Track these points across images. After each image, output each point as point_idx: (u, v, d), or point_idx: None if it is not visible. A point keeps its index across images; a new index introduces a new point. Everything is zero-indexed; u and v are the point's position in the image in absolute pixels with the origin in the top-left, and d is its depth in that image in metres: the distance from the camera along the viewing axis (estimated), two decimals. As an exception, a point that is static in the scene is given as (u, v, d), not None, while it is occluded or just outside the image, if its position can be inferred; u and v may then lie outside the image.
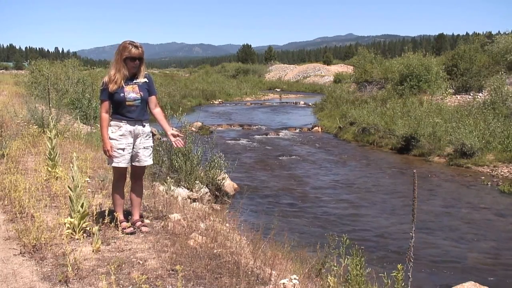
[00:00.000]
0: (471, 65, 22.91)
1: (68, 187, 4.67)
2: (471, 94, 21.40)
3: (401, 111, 19.90)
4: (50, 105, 12.01)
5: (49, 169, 6.67)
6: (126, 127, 4.70)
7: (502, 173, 13.57)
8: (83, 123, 14.63)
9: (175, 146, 5.01)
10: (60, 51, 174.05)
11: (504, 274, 7.17)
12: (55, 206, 5.54)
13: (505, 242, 8.56)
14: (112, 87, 4.61)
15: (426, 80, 23.07)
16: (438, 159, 15.69)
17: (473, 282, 6.03)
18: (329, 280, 3.76)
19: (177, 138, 4.94)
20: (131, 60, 4.64)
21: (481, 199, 11.49)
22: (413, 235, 3.02)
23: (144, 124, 4.83)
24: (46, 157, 6.80)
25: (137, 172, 4.99)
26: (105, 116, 4.71)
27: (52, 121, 7.45)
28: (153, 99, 4.91)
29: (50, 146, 6.61)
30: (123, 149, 4.71)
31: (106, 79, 4.70)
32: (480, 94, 21.15)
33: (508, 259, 7.75)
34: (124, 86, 4.67)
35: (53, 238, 4.41)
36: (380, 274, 4.08)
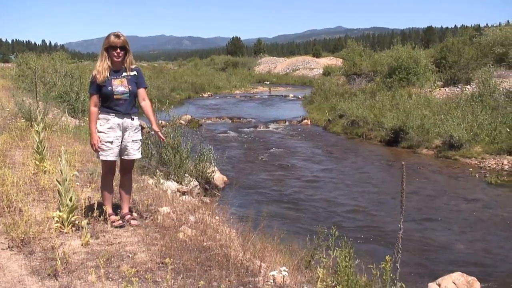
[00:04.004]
0: (460, 57, 23.04)
1: (57, 180, 4.65)
2: (459, 87, 21.51)
3: (390, 104, 19.98)
4: (38, 98, 11.90)
5: (37, 163, 6.62)
6: (114, 120, 4.68)
7: (490, 165, 13.69)
8: (71, 117, 14.51)
9: (163, 139, 5.04)
10: (48, 44, 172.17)
11: (491, 265, 7.26)
12: (43, 200, 5.51)
13: (492, 233, 8.65)
14: (99, 79, 4.60)
15: (415, 72, 23.16)
16: (426, 151, 15.79)
17: (460, 273, 6.09)
18: (318, 272, 3.78)
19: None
20: (113, 49, 4.62)
21: (469, 190, 11.59)
22: (402, 226, 3.04)
23: (132, 117, 4.81)
24: (34, 150, 6.75)
25: (126, 166, 4.98)
26: (94, 109, 4.70)
27: (40, 115, 7.39)
28: (142, 92, 4.89)
29: (38, 140, 6.57)
30: (111, 142, 4.69)
31: (94, 72, 4.69)
32: (468, 87, 21.26)
33: (495, 250, 7.84)
34: (113, 79, 4.65)
35: (42, 232, 4.39)
36: (369, 266, 4.11)
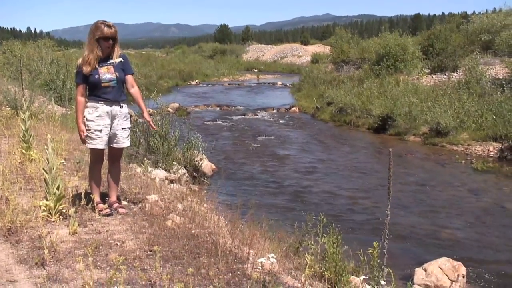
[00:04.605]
0: (447, 45, 23.11)
1: (43, 169, 4.61)
2: (446, 74, 21.61)
3: (377, 91, 20.04)
4: (23, 86, 11.76)
5: (23, 151, 6.56)
6: (103, 108, 4.65)
7: (476, 151, 13.83)
8: (58, 105, 14.38)
9: (152, 128, 5.04)
10: (33, 31, 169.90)
11: (477, 250, 7.36)
12: (30, 188, 5.47)
13: (478, 219, 8.76)
14: (86, 69, 4.55)
15: (402, 60, 23.21)
16: (413, 138, 15.89)
17: (446, 258, 6.17)
18: (306, 258, 3.80)
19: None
20: (105, 39, 4.57)
21: (455, 177, 11.70)
22: (389, 213, 3.06)
23: (121, 105, 4.78)
24: (20, 139, 6.68)
25: (115, 154, 4.95)
26: (81, 99, 4.65)
27: (26, 103, 7.33)
28: (129, 79, 4.86)
29: (24, 128, 6.51)
30: (100, 131, 4.66)
31: (80, 61, 4.63)
32: (455, 74, 21.37)
33: (480, 235, 7.94)
34: (99, 67, 4.61)
35: (29, 221, 4.36)
36: (357, 252, 4.14)
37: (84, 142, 4.70)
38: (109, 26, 4.58)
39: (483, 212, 9.12)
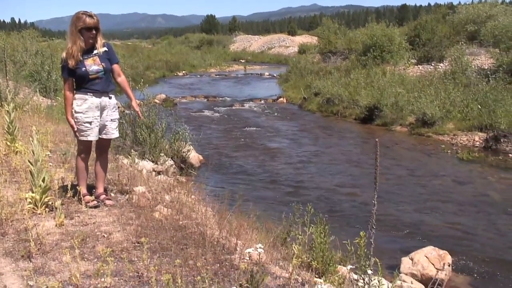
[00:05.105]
0: (433, 35, 23.18)
1: (29, 161, 4.58)
2: (433, 64, 21.72)
3: (364, 82, 20.07)
4: (8, 77, 11.61)
5: (8, 143, 6.49)
6: (92, 100, 4.62)
7: (461, 141, 13.95)
8: (43, 96, 14.27)
9: (141, 117, 5.04)
10: (17, 22, 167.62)
11: (462, 239, 7.44)
12: (15, 181, 5.42)
13: (463, 208, 8.85)
14: (71, 63, 4.50)
15: (389, 50, 23.26)
16: (400, 129, 15.98)
17: (432, 247, 6.24)
18: (294, 248, 3.82)
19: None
20: (87, 30, 4.52)
21: (441, 166, 11.80)
22: (375, 202, 3.08)
23: (110, 96, 4.76)
24: (5, 131, 6.61)
25: (103, 145, 4.93)
26: (69, 95, 4.62)
27: (10, 94, 7.24)
28: (116, 68, 4.84)
29: (8, 120, 6.43)
30: (90, 123, 4.63)
31: (64, 55, 4.58)
32: (441, 64, 21.49)
33: (466, 225, 8.03)
34: (84, 59, 4.57)
35: (14, 214, 4.33)
36: (344, 241, 4.17)
37: (77, 136, 4.66)
38: (90, 16, 4.53)
39: (468, 202, 9.21)
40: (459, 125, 14.79)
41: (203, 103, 23.65)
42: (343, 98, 19.44)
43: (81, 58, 4.55)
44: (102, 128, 4.78)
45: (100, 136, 4.81)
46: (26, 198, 4.47)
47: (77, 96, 4.63)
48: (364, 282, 3.06)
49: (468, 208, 8.85)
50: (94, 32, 4.57)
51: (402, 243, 7.28)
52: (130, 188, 5.39)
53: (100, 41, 4.68)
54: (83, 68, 4.54)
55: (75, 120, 4.60)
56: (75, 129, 4.61)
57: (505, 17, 23.66)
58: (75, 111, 4.60)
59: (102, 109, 4.70)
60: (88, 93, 4.61)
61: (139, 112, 5.09)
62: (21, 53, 20.08)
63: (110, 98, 4.76)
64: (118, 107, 5.11)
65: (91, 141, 4.78)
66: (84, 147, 4.78)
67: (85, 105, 4.60)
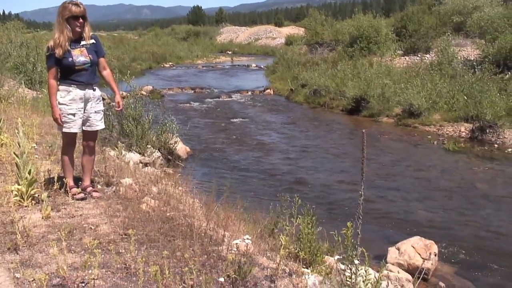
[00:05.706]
0: (419, 26, 23.27)
1: (14, 153, 4.55)
2: (419, 56, 21.83)
3: (351, 73, 20.11)
4: (-8, 69, 11.51)
5: (-7, 135, 6.44)
6: (76, 91, 4.59)
7: (447, 132, 14.06)
8: (28, 88, 14.13)
9: (118, 108, 5.03)
10: (1, 13, 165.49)
11: (448, 228, 7.51)
12: (1, 173, 5.38)
13: (450, 199, 8.93)
14: (58, 52, 4.46)
15: (375, 41, 23.32)
16: (387, 120, 16.06)
17: (418, 237, 6.30)
18: (281, 239, 3.83)
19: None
20: (74, 19, 4.48)
21: (428, 157, 11.90)
22: (362, 193, 3.10)
23: (94, 88, 4.74)
24: (-10, 123, 6.55)
25: (89, 137, 4.90)
26: (53, 83, 4.57)
27: (-6, 86, 7.16)
28: (102, 61, 4.84)
29: (-7, 112, 6.37)
30: (73, 114, 4.60)
31: (51, 43, 4.52)
32: (428, 55, 21.60)
33: (452, 215, 8.11)
34: (72, 50, 4.53)
35: (0, 206, 4.30)
36: (331, 232, 4.19)
37: (60, 125, 4.62)
38: (76, 4, 4.49)
39: (454, 192, 9.30)
40: (445, 116, 14.90)
41: (190, 95, 23.57)
42: (330, 89, 19.47)
43: (69, 48, 4.51)
44: (86, 120, 4.75)
45: (84, 128, 4.79)
46: (12, 191, 4.44)
47: (60, 87, 4.59)
48: (351, 272, 3.09)
49: (454, 198, 8.94)
50: (81, 20, 4.53)
51: (389, 233, 7.34)
52: (117, 180, 5.37)
53: (88, 31, 4.65)
54: (70, 59, 4.51)
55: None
56: (60, 120, 4.57)
57: (491, 8, 23.81)
58: (59, 102, 4.56)
59: (86, 101, 4.68)
60: (72, 85, 4.58)
61: (121, 106, 5.05)
62: (6, 45, 19.83)
63: (94, 90, 4.74)
64: (104, 99, 5.09)
65: (75, 133, 4.76)
66: (68, 139, 4.75)
67: (68, 96, 4.57)
